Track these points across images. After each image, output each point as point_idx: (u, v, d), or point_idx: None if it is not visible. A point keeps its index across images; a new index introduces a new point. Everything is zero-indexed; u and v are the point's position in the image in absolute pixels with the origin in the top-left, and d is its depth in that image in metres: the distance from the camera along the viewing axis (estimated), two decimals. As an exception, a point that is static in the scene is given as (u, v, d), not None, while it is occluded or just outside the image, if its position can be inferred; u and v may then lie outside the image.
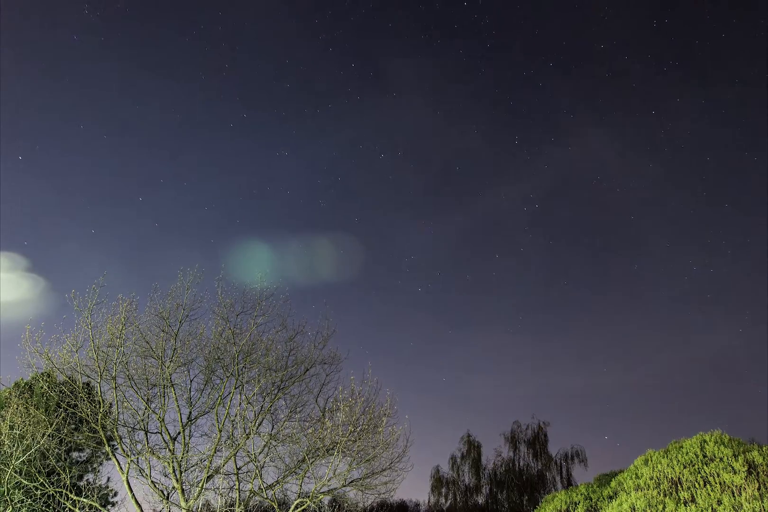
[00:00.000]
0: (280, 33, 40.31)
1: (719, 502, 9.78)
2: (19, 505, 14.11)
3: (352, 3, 37.99)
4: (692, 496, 10.16)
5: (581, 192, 43.80)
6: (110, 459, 15.62)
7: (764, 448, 10.94)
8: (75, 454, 18.17)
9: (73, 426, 16.53)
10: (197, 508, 14.70)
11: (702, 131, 40.00)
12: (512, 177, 44.79)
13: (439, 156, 43.83)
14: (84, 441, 15.65)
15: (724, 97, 38.86)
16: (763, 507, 9.31)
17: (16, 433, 14.01)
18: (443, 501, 29.46)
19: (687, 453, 11.35)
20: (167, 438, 14.98)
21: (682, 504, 10.00)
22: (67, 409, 15.50)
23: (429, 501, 29.85)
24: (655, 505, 10.28)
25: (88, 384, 16.32)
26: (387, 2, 39.81)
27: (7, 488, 13.94)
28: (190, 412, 15.51)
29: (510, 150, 43.42)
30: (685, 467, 10.94)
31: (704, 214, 40.40)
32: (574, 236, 45.24)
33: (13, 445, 13.87)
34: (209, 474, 14.55)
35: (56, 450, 14.88)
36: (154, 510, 14.82)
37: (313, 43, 40.15)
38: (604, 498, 12.07)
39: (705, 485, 10.29)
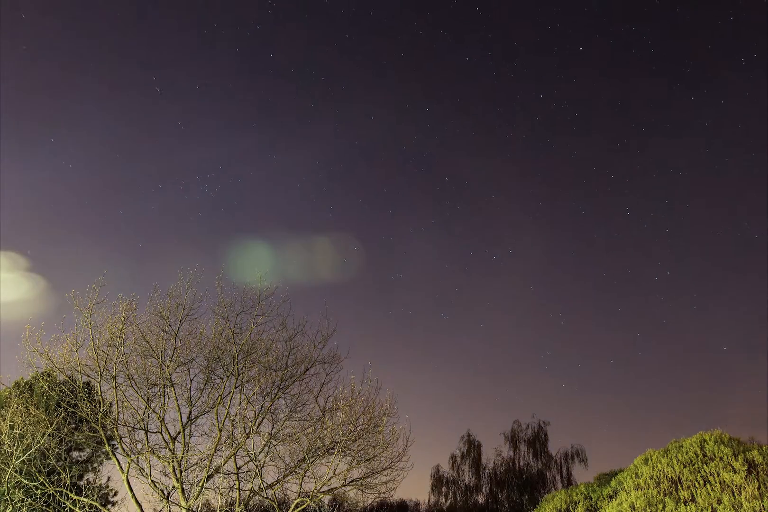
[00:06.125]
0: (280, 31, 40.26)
1: (719, 501, 9.79)
2: (19, 505, 14.10)
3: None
4: (692, 495, 10.17)
5: None
6: (110, 458, 15.62)
7: (764, 448, 10.96)
8: (75, 454, 18.18)
9: (73, 425, 16.52)
10: (197, 508, 14.70)
11: None
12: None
13: (442, 160, 43.74)
14: (84, 440, 15.65)
15: None
16: (763, 506, 9.31)
17: (16, 433, 14.00)
18: (443, 500, 29.47)
19: (687, 452, 11.35)
20: (167, 437, 14.97)
21: (682, 503, 10.01)
22: (67, 409, 15.50)
23: (429, 501, 29.89)
24: (655, 504, 10.29)
25: (88, 383, 16.31)
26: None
27: (8, 487, 13.94)
28: (190, 412, 15.50)
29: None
30: (685, 466, 10.95)
31: None
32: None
33: (14, 445, 13.86)
34: (209, 473, 14.54)
35: (56, 450, 14.87)
36: (154, 509, 14.81)
37: (318, 48, 40.13)
38: (604, 498, 12.08)
39: (705, 484, 10.30)
